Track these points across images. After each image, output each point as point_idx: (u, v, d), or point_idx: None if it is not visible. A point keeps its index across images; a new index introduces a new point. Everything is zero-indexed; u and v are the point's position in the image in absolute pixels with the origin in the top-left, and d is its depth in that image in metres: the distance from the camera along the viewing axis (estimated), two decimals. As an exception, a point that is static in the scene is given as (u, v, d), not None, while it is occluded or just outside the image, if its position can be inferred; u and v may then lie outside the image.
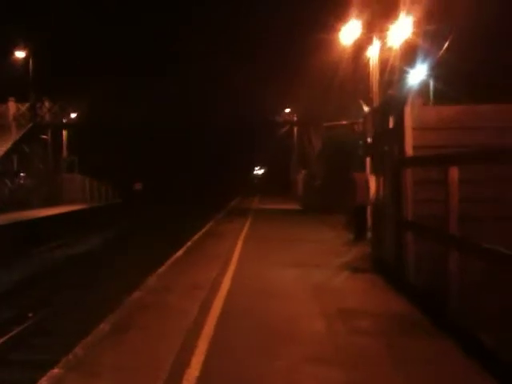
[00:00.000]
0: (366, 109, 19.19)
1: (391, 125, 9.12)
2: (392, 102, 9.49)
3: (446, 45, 13.49)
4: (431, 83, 17.98)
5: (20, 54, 26.29)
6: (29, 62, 27.03)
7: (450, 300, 6.07)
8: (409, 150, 8.16)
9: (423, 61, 17.04)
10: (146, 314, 6.84)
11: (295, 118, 31.54)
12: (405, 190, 8.11)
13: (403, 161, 8.19)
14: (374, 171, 10.50)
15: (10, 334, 8.65)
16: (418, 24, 13.11)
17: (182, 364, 4.92)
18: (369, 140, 17.01)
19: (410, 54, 15.60)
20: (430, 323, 6.23)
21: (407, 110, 8.26)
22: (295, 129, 32.12)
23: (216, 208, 28.74)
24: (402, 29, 13.02)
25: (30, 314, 10.04)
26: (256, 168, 66.38)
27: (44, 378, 4.60)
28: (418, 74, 17.83)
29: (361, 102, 19.54)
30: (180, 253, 12.18)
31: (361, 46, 17.03)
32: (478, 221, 6.93)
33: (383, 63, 15.26)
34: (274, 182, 37.32)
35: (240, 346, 5.51)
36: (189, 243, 13.91)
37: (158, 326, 6.30)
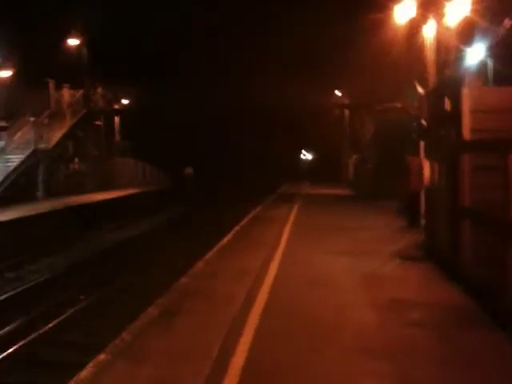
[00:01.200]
0: (420, 90, 18.53)
1: (448, 107, 8.72)
2: (449, 83, 9.08)
3: (506, 23, 12.74)
4: (490, 63, 17.14)
5: (74, 42, 26.82)
6: (82, 50, 27.57)
7: (508, 292, 5.74)
8: (467, 134, 7.75)
9: (482, 40, 16.23)
10: (193, 300, 6.82)
11: (347, 101, 30.95)
12: (462, 175, 7.73)
13: (461, 145, 7.80)
14: (429, 156, 10.09)
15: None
16: (476, 1, 12.42)
17: (227, 352, 4.85)
18: (423, 123, 16.49)
19: (467, 33, 14.83)
20: (485, 316, 5.93)
21: (465, 91, 7.85)
22: (347, 112, 31.54)
23: (264, 193, 28.66)
24: (459, 6, 12.39)
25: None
26: (304, 153, 65.42)
27: (90, 364, 4.62)
28: (476, 54, 17.00)
29: (415, 83, 18.88)
30: (228, 238, 12.15)
31: (415, 26, 16.33)
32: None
33: (439, 43, 14.60)
34: (324, 167, 36.77)
35: (286, 335, 5.39)
36: (237, 228, 13.87)
37: (205, 311, 6.26)
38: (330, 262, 9.14)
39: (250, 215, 17.28)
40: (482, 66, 17.89)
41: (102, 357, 4.78)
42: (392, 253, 9.80)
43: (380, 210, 17.10)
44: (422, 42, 16.71)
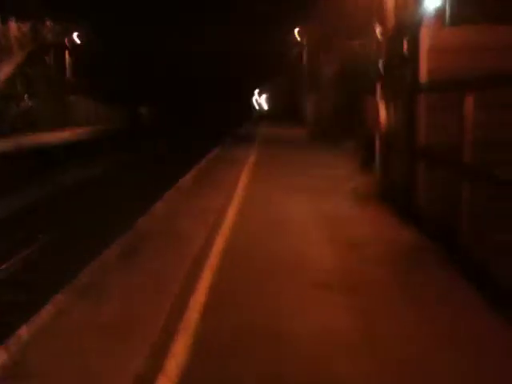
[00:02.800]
0: (378, 31, 18.39)
1: (406, 47, 8.72)
2: (408, 23, 9.02)
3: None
4: (447, 6, 17.10)
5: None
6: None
7: (461, 229, 5.98)
8: (424, 74, 7.82)
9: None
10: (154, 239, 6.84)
11: (305, 40, 30.50)
12: (418, 115, 7.85)
13: (417, 85, 7.86)
14: (385, 96, 10.14)
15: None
16: None
17: (188, 291, 4.92)
18: (380, 63, 16.48)
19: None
20: (439, 252, 6.17)
21: (423, 31, 7.86)
22: (304, 51, 31.13)
23: (223, 134, 28.51)
24: None
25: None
26: (256, 96, 64.28)
27: (49, 305, 4.61)
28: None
29: (373, 23, 18.72)
30: (188, 177, 12.11)
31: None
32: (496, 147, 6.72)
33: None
34: (282, 108, 36.56)
35: (247, 273, 5.50)
36: (197, 166, 13.83)
37: (166, 251, 6.30)
38: (288, 199, 9.29)
39: (210, 155, 17.23)
40: (440, 7, 17.86)
41: (60, 297, 4.77)
42: (348, 191, 10.01)
43: (337, 149, 17.29)
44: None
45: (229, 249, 6.29)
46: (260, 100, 64.54)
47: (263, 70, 40.63)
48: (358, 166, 13.24)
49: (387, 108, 9.86)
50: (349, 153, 16.06)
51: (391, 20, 14.52)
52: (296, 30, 31.23)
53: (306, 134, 25.35)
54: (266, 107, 58.74)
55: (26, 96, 25.69)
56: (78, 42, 31.63)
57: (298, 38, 31.40)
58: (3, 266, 8.41)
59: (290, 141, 22.82)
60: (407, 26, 9.13)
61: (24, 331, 4.06)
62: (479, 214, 6.00)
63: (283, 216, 8.09)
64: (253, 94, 65.17)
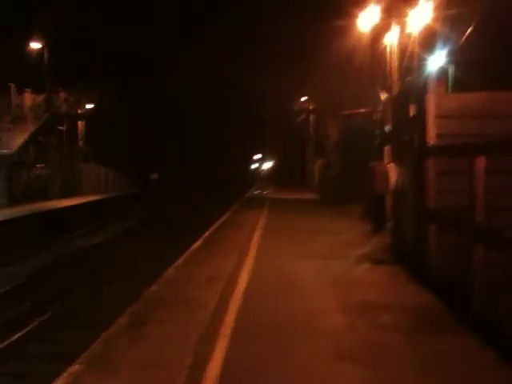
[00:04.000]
0: (383, 97, 18.88)
1: (412, 113, 8.90)
2: (413, 89, 9.27)
3: (468, 31, 13.08)
4: (450, 70, 17.62)
5: (35, 46, 26.28)
6: (44, 54, 27.03)
7: (475, 294, 5.89)
8: (431, 139, 7.93)
9: (443, 47, 16.68)
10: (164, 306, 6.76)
11: (311, 107, 31.22)
12: (427, 179, 7.90)
13: (426, 150, 7.97)
14: (394, 160, 10.27)
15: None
16: (438, 9, 12.76)
17: (202, 360, 4.82)
18: (386, 129, 16.78)
19: (429, 40, 15.24)
20: (453, 318, 6.06)
21: (429, 97, 8.03)
22: (311, 118, 31.80)
23: (232, 198, 28.66)
24: (421, 14, 12.71)
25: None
26: (257, 159, 64.77)
27: (64, 374, 4.53)
28: (437, 61, 17.47)
29: (378, 89, 19.22)
30: (198, 244, 12.08)
31: (379, 33, 16.70)
32: (505, 212, 6.73)
33: (402, 50, 14.95)
34: (289, 172, 36.91)
35: (259, 341, 5.39)
36: (206, 234, 13.81)
37: (177, 319, 6.21)
38: (299, 266, 9.18)
39: (220, 221, 17.25)
40: (443, 72, 18.40)
41: (74, 368, 4.69)
42: (359, 256, 9.92)
43: (345, 214, 17.31)
44: (385, 49, 17.06)
45: (242, 316, 6.20)
46: (263, 165, 65.40)
47: (266, 136, 41.34)
48: (368, 230, 13.21)
49: (397, 171, 9.96)
50: (357, 217, 16.07)
51: (396, 86, 14.98)
52: (303, 98, 32.10)
53: (313, 198, 25.47)
54: (269, 170, 59.44)
55: (38, 164, 26.19)
56: (91, 111, 32.60)
57: (305, 105, 32.21)
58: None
59: (297, 205, 22.89)
60: (412, 92, 9.37)
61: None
62: (491, 276, 5.94)
63: (295, 283, 7.99)
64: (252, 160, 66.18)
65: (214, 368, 4.65)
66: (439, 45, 16.17)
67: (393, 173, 10.51)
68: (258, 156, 65.34)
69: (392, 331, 5.67)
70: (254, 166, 68.51)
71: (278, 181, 35.79)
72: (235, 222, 16.43)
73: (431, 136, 7.93)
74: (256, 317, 6.23)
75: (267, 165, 63.30)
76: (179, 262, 9.92)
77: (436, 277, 7.40)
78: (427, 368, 4.71)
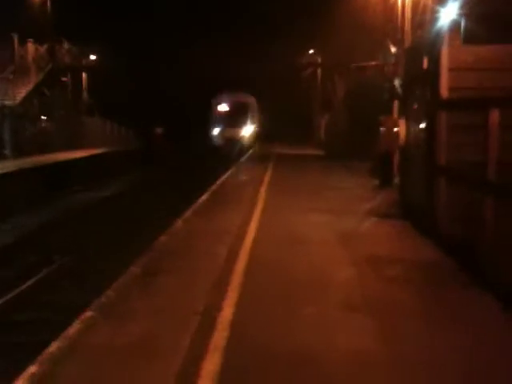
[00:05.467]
0: (393, 50, 18.48)
1: (425, 66, 8.72)
2: (426, 42, 9.05)
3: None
4: (462, 22, 17.17)
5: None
6: (46, 3, 26.46)
7: (483, 248, 5.90)
8: (444, 92, 7.79)
9: (455, -1, 16.22)
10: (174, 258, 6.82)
11: (319, 60, 30.68)
12: (439, 133, 7.80)
13: (439, 103, 7.84)
14: (404, 115, 10.12)
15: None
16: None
17: (214, 308, 4.88)
18: (397, 83, 16.50)
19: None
20: (460, 271, 6.09)
21: (444, 49, 7.85)
22: (319, 72, 31.29)
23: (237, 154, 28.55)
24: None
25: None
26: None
27: (77, 321, 4.59)
28: (449, 13, 16.98)
29: (389, 43, 18.82)
30: (204, 198, 12.10)
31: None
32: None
33: (414, 2, 14.53)
34: (296, 127, 36.56)
35: (269, 291, 5.44)
36: (213, 187, 13.82)
37: (188, 269, 6.27)
38: (308, 220, 9.21)
39: (225, 175, 17.23)
40: (457, 24, 17.91)
41: (88, 314, 4.75)
42: (368, 211, 9.93)
43: (352, 169, 17.25)
44: (397, 1, 16.59)
45: (251, 267, 6.25)
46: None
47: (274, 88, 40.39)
48: (376, 185, 13.19)
49: (407, 126, 9.83)
50: (364, 173, 16.01)
51: (408, 39, 14.63)
52: (311, 51, 31.51)
53: (320, 154, 25.34)
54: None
55: (42, 117, 26.00)
56: (95, 63, 32.11)
57: (312, 58, 31.66)
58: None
59: (304, 160, 22.77)
60: (425, 45, 9.15)
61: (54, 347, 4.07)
62: (502, 231, 5.92)
63: (303, 236, 8.01)
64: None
65: (226, 315, 4.71)
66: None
67: (402, 127, 10.37)
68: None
69: (400, 283, 5.71)
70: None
71: (284, 136, 35.44)
72: (241, 178, 16.40)
73: (444, 89, 7.79)
74: (264, 269, 6.27)
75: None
76: (187, 213, 9.96)
77: (445, 231, 7.40)
78: (434, 319, 4.77)
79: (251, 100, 33.87)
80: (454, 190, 7.52)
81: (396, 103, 15.83)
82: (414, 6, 14.74)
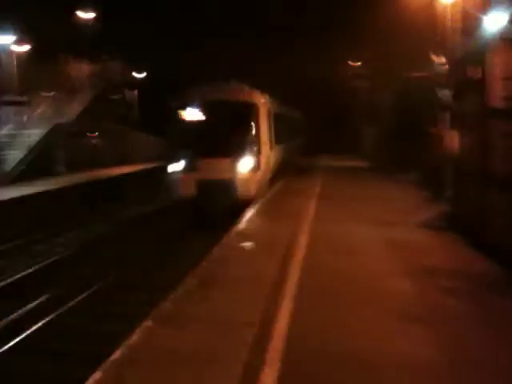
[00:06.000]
0: (436, 60, 18.25)
1: (476, 75, 8.62)
2: (476, 51, 8.93)
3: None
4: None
5: (90, 15, 26.69)
6: (99, 23, 27.41)
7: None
8: (497, 102, 7.69)
9: (504, 7, 15.96)
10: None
11: (364, 72, 30.56)
12: (493, 144, 7.69)
13: (492, 113, 7.73)
14: (456, 125, 10.01)
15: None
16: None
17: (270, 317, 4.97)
18: (444, 93, 16.28)
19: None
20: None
21: (495, 58, 7.76)
22: (364, 83, 31.18)
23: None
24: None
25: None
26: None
27: (138, 330, 4.76)
28: (498, 21, 16.73)
29: (433, 52, 18.61)
30: (258, 206, 12.18)
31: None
32: None
33: (461, 11, 14.34)
34: (341, 138, 36.32)
35: (323, 300, 5.49)
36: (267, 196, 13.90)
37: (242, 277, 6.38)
38: (359, 231, 9.20)
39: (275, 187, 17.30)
40: (509, 32, 17.58)
41: (147, 323, 4.92)
42: (418, 223, 9.84)
43: (401, 181, 17.04)
44: (441, 9, 16.41)
45: (305, 277, 6.31)
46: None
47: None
48: (427, 196, 13.01)
49: (459, 137, 9.70)
50: (413, 184, 15.81)
51: (456, 49, 14.44)
52: (358, 63, 31.49)
53: (367, 165, 25.14)
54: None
55: (93, 133, 26.84)
56: (145, 79, 32.79)
57: (357, 69, 31.60)
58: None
59: (352, 172, 22.62)
60: (475, 54, 9.04)
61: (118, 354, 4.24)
62: None
63: (355, 247, 8.03)
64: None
65: (281, 325, 4.78)
66: (500, 5, 15.44)
67: (454, 139, 10.24)
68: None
69: (457, 294, 5.66)
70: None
71: (329, 148, 35.18)
72: (290, 190, 16.37)
73: (497, 99, 7.69)
74: (319, 278, 6.32)
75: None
76: (241, 224, 10.10)
77: (499, 244, 7.25)
78: (490, 330, 4.72)
79: (260, 100, 15.79)
80: (507, 201, 7.37)
81: (444, 114, 15.64)
82: (460, 15, 14.57)
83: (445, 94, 16.44)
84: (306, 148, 32.58)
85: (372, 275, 6.45)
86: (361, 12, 24.65)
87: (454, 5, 15.07)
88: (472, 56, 9.12)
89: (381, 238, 8.60)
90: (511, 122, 7.53)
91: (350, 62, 32.58)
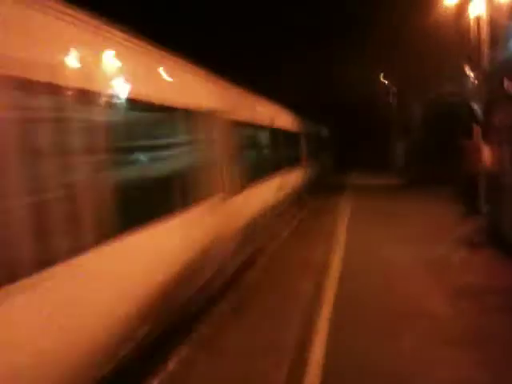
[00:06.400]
0: (469, 73, 18.03)
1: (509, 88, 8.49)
2: (508, 63, 8.80)
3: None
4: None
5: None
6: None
7: None
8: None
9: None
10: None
11: (394, 88, 30.40)
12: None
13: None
14: (490, 139, 9.84)
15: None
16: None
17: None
18: (476, 107, 16.06)
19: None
20: None
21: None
22: (394, 99, 30.99)
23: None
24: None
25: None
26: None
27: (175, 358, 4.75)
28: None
29: (464, 66, 18.42)
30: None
31: (463, 6, 16.02)
32: None
33: (491, 23, 14.20)
34: (371, 153, 35.92)
35: (363, 327, 5.41)
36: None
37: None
38: (397, 250, 9.06)
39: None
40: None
41: (184, 351, 4.93)
42: (456, 239, 9.65)
43: (435, 195, 16.75)
44: (472, 22, 16.26)
45: (342, 303, 6.24)
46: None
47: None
48: (462, 212, 12.75)
49: (493, 150, 9.54)
50: (447, 199, 15.52)
51: (486, 62, 14.27)
52: (385, 80, 31.34)
53: (399, 181, 24.80)
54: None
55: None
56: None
57: (387, 85, 31.42)
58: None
59: (384, 189, 22.29)
60: (507, 67, 8.93)
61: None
62: None
63: (395, 267, 7.91)
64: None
65: (319, 350, 4.73)
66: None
67: (487, 152, 10.07)
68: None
69: (501, 312, 5.52)
70: None
71: (359, 164, 34.80)
72: (323, 208, 16.23)
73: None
74: (359, 302, 6.24)
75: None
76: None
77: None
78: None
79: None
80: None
81: (477, 127, 15.37)
82: (490, 27, 14.41)
83: (476, 107, 16.24)
84: (333, 165, 32.22)
85: (414, 295, 6.34)
86: (390, 25, 24.58)
87: (481, 16, 14.97)
88: (506, 69, 9.00)
89: (419, 256, 8.46)
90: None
91: (380, 77, 32.45)
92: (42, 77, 3.26)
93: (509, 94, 8.40)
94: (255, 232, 9.04)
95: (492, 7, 14.10)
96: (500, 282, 6.82)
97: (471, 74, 17.88)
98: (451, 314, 5.64)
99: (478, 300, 6.02)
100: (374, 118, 36.66)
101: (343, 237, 10.49)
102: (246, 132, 9.30)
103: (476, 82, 16.38)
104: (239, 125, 8.34)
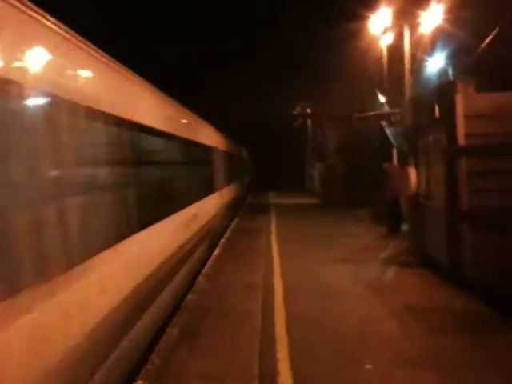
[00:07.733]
0: (382, 99, 18.82)
1: (438, 114, 8.83)
2: (439, 90, 9.17)
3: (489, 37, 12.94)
4: (450, 71, 17.70)
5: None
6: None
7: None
8: (461, 139, 7.88)
9: (443, 49, 16.92)
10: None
11: (309, 111, 31.13)
12: (460, 180, 7.83)
13: (457, 150, 7.89)
14: (417, 162, 10.18)
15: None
16: (449, 10, 12.76)
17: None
18: (388, 132, 16.74)
19: (434, 42, 15.30)
20: (499, 319, 6.00)
21: (458, 97, 7.97)
22: (309, 122, 31.74)
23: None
24: (433, 15, 12.72)
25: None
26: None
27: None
28: (437, 62, 17.69)
29: (377, 92, 19.22)
30: (217, 252, 11.82)
31: (380, 36, 16.77)
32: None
33: (413, 52, 14.91)
34: (287, 176, 36.56)
35: (315, 353, 5.26)
36: (222, 240, 13.52)
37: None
38: (327, 270, 9.06)
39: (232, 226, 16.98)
40: (444, 73, 18.47)
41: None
42: (384, 259, 9.84)
43: (354, 217, 17.14)
44: (387, 51, 17.07)
45: (291, 321, 6.08)
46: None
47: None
48: (384, 232, 13.11)
49: (418, 173, 9.86)
50: (367, 220, 15.95)
51: (409, 88, 14.93)
52: (301, 104, 32.07)
53: (316, 203, 25.23)
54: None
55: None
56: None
57: (302, 110, 32.15)
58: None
59: (303, 210, 22.50)
60: (434, 94, 9.29)
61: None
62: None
63: (329, 288, 7.84)
64: None
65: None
66: (440, 47, 16.29)
67: (412, 175, 10.41)
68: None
69: (444, 334, 5.59)
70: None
71: (275, 186, 35.16)
72: (247, 229, 16.09)
73: (461, 136, 7.87)
74: (304, 325, 6.09)
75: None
76: (206, 269, 9.73)
77: (473, 279, 7.29)
78: (487, 370, 4.65)
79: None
80: (479, 236, 7.46)
81: (394, 151, 16.02)
82: (414, 55, 15.12)
83: (391, 132, 16.93)
84: (252, 186, 32.42)
85: (356, 319, 6.27)
86: (308, 54, 25.22)
87: (395, 46, 15.73)
88: (432, 96, 9.35)
89: (352, 277, 8.49)
90: (475, 159, 7.74)
91: (298, 103, 33.18)
92: None
93: (438, 120, 8.72)
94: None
95: (411, 40, 14.84)
96: (436, 302, 6.95)
97: (382, 100, 18.70)
98: (400, 335, 5.63)
99: (424, 321, 6.07)
100: (291, 142, 37.47)
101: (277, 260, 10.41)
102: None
103: (387, 106, 17.18)
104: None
